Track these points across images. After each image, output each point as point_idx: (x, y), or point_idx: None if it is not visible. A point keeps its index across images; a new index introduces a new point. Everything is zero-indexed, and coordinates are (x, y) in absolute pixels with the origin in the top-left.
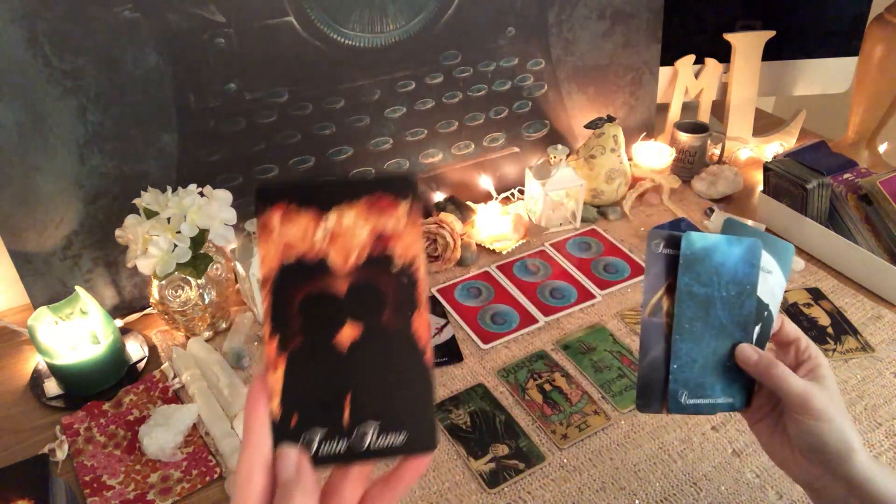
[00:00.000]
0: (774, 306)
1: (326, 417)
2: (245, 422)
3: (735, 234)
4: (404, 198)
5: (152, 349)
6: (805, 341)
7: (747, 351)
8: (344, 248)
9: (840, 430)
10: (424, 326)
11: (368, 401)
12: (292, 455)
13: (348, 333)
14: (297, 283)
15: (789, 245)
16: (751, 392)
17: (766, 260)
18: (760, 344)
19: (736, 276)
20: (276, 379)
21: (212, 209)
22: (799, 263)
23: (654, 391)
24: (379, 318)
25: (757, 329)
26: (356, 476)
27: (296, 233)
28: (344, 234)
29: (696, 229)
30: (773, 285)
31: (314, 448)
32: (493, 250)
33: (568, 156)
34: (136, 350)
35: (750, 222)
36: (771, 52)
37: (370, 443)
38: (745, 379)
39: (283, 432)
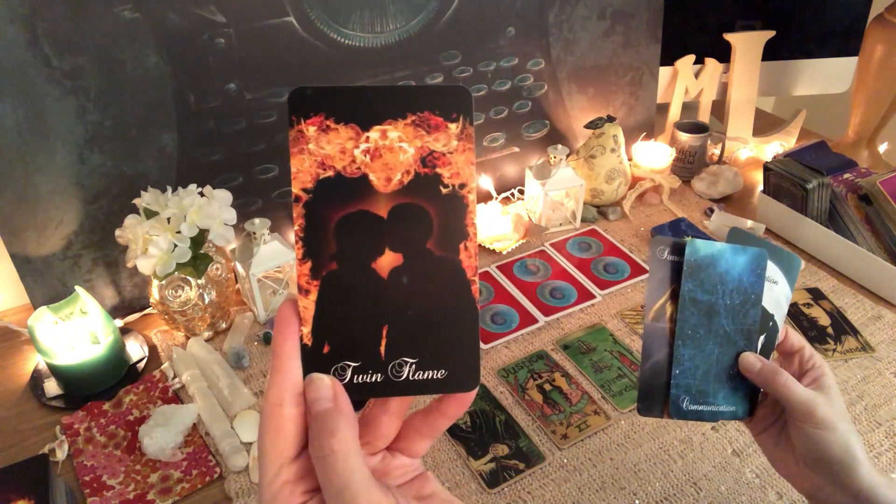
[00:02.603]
0: (780, 316)
1: (361, 349)
2: (274, 348)
3: (741, 243)
4: (457, 115)
5: (152, 349)
6: (809, 351)
7: (751, 359)
8: (387, 167)
9: (844, 440)
10: (473, 258)
11: (407, 334)
12: (326, 383)
13: (389, 260)
14: (333, 202)
15: (796, 257)
16: (754, 402)
17: (772, 270)
18: (765, 353)
19: (741, 284)
20: (308, 305)
21: (212, 209)
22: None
23: (656, 395)
24: (423, 245)
25: (761, 339)
26: (395, 408)
27: (333, 147)
28: (388, 152)
29: (697, 229)
30: (778, 296)
31: (347, 378)
32: (493, 250)
33: (568, 156)
34: (136, 350)
35: (750, 223)
36: (771, 52)
37: (407, 376)
38: (748, 388)
39: (314, 361)
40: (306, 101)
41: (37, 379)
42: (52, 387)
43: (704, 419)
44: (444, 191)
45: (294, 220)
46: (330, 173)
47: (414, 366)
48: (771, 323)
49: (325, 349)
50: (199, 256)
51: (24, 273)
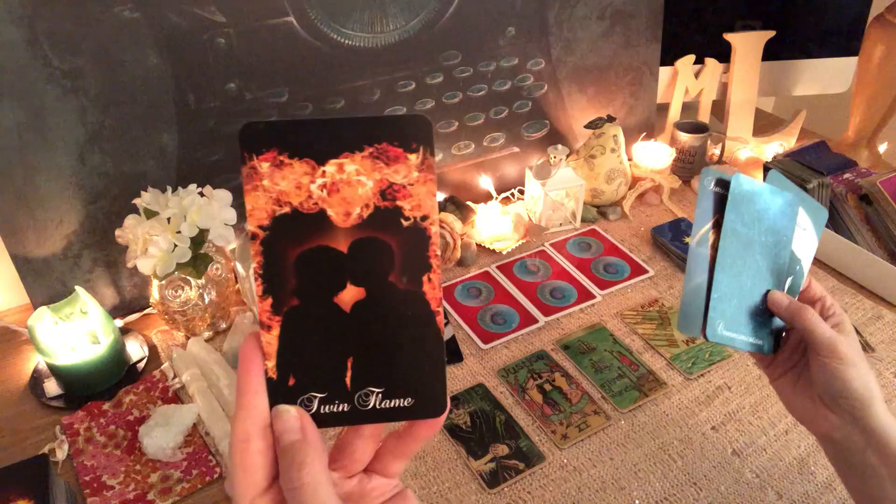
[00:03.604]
0: (806, 263)
1: (326, 380)
2: (238, 384)
3: (778, 186)
4: (417, 145)
5: (152, 349)
6: (830, 300)
7: (778, 295)
8: (345, 201)
9: (865, 376)
10: (436, 289)
11: (372, 365)
12: (293, 415)
13: (351, 294)
14: (292, 238)
15: (823, 209)
16: (778, 341)
17: (803, 217)
18: (790, 295)
19: (775, 224)
20: (271, 340)
21: (212, 209)
22: None
23: (695, 316)
24: (385, 279)
25: (789, 280)
26: (368, 434)
27: (289, 182)
28: (345, 186)
29: None
30: (806, 243)
31: (314, 409)
32: (493, 250)
33: (568, 156)
34: (136, 350)
35: None
36: (771, 52)
37: (374, 405)
38: (773, 327)
39: (279, 393)
40: (258, 137)
41: (37, 379)
42: (52, 387)
43: (736, 346)
44: (405, 223)
45: (252, 257)
46: (286, 209)
47: (380, 395)
48: (798, 267)
49: (291, 381)
50: (199, 256)
51: (24, 273)
